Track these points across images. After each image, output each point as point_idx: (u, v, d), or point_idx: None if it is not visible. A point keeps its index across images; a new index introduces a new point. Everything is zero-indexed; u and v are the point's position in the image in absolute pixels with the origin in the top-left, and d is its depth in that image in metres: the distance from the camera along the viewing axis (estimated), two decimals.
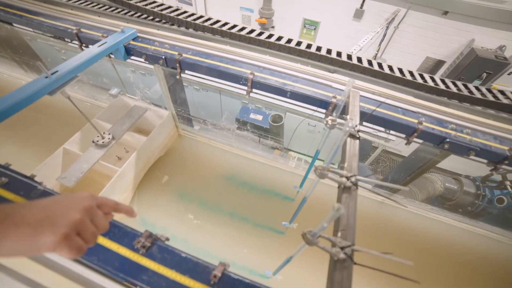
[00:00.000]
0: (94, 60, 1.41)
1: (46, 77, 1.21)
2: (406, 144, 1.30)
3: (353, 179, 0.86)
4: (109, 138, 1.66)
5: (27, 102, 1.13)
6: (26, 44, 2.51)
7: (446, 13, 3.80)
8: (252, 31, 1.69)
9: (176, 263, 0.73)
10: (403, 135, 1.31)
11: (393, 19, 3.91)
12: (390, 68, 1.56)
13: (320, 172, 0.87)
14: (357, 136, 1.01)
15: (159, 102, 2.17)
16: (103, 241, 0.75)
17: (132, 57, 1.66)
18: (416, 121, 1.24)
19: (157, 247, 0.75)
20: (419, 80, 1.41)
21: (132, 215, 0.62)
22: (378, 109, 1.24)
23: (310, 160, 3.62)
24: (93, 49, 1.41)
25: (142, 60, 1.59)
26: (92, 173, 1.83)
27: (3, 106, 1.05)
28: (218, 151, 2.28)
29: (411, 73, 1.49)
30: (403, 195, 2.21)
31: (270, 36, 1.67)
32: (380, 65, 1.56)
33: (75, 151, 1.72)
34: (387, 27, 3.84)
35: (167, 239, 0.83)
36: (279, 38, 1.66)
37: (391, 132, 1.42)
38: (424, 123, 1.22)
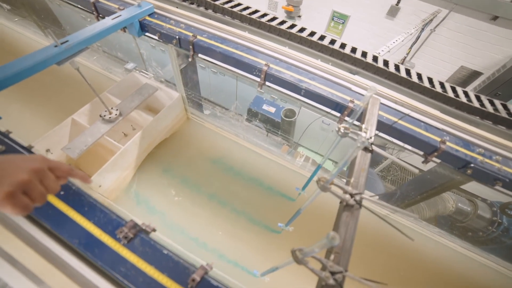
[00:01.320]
0: (107, 33, 1.37)
1: (56, 46, 1.18)
2: (423, 162, 1.19)
3: (357, 197, 0.78)
4: (116, 114, 1.64)
5: (34, 70, 1.11)
6: (48, 8, 2.50)
7: (495, 18, 3.40)
8: (274, 18, 1.58)
9: (157, 259, 0.70)
10: (422, 152, 1.20)
11: (431, 20, 3.59)
12: (419, 76, 1.41)
13: (323, 184, 0.80)
14: (370, 149, 0.92)
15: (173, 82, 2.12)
16: (87, 225, 0.73)
17: (147, 34, 1.60)
18: (439, 139, 1.12)
19: (139, 239, 0.73)
20: (450, 94, 1.27)
21: (87, 181, 0.64)
22: (396, 120, 1.13)
23: (318, 159, 3.53)
24: (107, 22, 1.37)
25: (156, 37, 1.53)
26: (97, 147, 1.85)
27: (8, 72, 1.03)
28: (224, 140, 2.23)
29: (441, 84, 1.35)
30: (410, 210, 2.09)
31: (292, 26, 1.55)
32: (408, 71, 1.42)
33: (82, 123, 1.73)
34: (423, 29, 3.53)
35: (154, 230, 0.81)
36: (302, 30, 1.54)
37: (408, 146, 1.31)
38: (448, 143, 1.10)
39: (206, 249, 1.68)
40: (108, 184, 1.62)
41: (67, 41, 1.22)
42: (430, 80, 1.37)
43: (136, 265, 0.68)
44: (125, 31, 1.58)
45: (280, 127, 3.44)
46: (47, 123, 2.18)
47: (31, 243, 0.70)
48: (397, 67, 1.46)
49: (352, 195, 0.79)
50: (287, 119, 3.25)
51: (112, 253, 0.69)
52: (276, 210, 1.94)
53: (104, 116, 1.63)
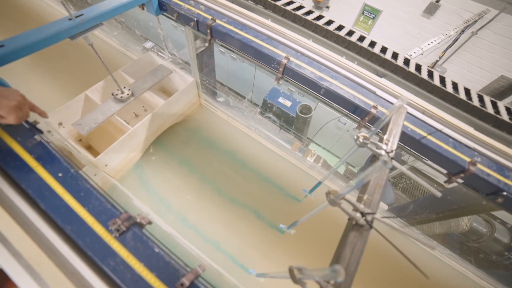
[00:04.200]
0: (123, 9, 1.31)
1: (70, 19, 1.14)
2: (445, 182, 1.09)
3: (369, 217, 0.71)
4: (128, 94, 1.62)
5: (46, 42, 1.08)
6: None
7: None
8: (300, 7, 1.46)
9: (147, 256, 0.67)
10: (445, 171, 1.09)
11: (475, 21, 3.24)
12: (454, 85, 1.27)
13: (333, 199, 0.72)
14: (390, 162, 0.83)
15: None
16: (81, 211, 0.71)
17: (165, 13, 1.53)
18: (468, 159, 1.00)
19: (132, 233, 0.70)
20: (489, 110, 1.13)
21: (44, 115, 0.91)
22: (425, 135, 1.02)
23: (329, 159, 3.41)
24: None
25: (174, 18, 1.45)
26: (107, 125, 1.85)
27: (20, 43, 1.01)
28: (234, 131, 2.18)
29: (480, 97, 1.20)
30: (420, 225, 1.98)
31: (319, 17, 1.43)
32: (442, 79, 1.28)
33: (95, 99, 1.72)
34: (463, 31, 3.21)
35: (149, 222, 0.78)
36: (329, 22, 1.41)
37: (429, 161, 1.20)
38: (479, 165, 0.99)
39: (204, 240, 1.68)
40: (114, 164, 1.62)
41: (82, 14, 1.17)
42: (467, 91, 1.23)
43: (126, 260, 0.66)
44: (143, 9, 1.52)
45: (294, 123, 3.34)
46: (63, 95, 2.21)
47: (23, 223, 0.68)
48: (430, 73, 1.32)
49: (363, 214, 0.72)
50: (302, 115, 3.14)
51: (103, 244, 0.67)
52: (280, 208, 1.89)
53: (116, 95, 1.61)
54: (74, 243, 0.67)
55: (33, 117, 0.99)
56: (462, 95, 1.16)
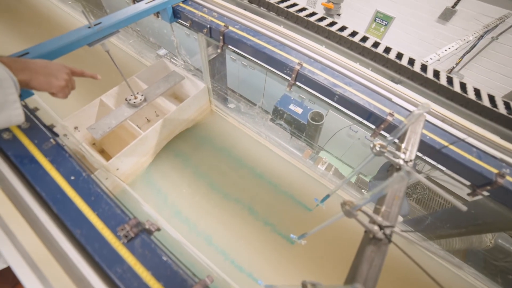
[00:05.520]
0: (139, 16, 1.35)
1: (89, 27, 1.18)
2: (469, 194, 1.02)
3: (388, 231, 0.66)
4: (140, 100, 1.64)
5: (67, 49, 1.12)
6: None
7: None
8: (312, 14, 1.45)
9: (155, 264, 0.65)
10: (468, 183, 1.02)
11: (496, 26, 3.12)
12: (477, 92, 1.21)
13: (348, 210, 0.69)
14: (413, 173, 0.79)
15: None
16: (91, 216, 0.71)
17: (179, 21, 1.57)
18: (496, 171, 0.94)
19: (140, 240, 0.68)
20: None
21: (96, 77, 1.01)
22: (446, 144, 0.97)
23: (340, 167, 3.33)
24: (140, 5, 1.34)
25: (187, 24, 1.48)
26: (120, 129, 1.89)
27: (44, 50, 1.05)
28: (245, 137, 2.17)
29: (507, 104, 1.13)
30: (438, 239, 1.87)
31: (332, 24, 1.41)
32: (463, 86, 1.22)
33: (109, 104, 1.76)
34: (482, 36, 3.10)
35: (158, 229, 0.76)
36: (342, 29, 1.40)
37: (451, 172, 1.13)
38: (508, 177, 0.92)
39: (213, 248, 1.65)
40: (125, 168, 1.64)
41: (100, 23, 1.21)
42: (491, 98, 1.16)
43: (133, 268, 0.64)
44: (158, 17, 1.56)
45: (305, 130, 3.30)
46: (79, 100, 2.28)
47: (34, 225, 0.69)
48: (449, 80, 1.26)
49: (381, 227, 0.67)
50: (313, 122, 3.10)
51: (111, 250, 0.66)
52: (290, 217, 1.84)
53: (129, 100, 1.64)
54: (83, 247, 0.66)
55: (49, 120, 1.02)
56: (486, 102, 1.10)
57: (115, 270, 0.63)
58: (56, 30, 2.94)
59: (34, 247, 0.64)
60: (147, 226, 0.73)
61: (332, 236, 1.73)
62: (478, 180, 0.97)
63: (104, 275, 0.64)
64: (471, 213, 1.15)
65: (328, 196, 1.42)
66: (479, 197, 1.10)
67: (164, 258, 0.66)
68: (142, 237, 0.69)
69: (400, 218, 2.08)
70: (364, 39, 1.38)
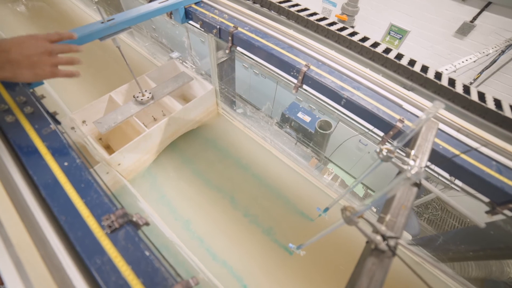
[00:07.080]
0: (152, 15, 1.37)
1: (102, 22, 1.21)
2: (487, 212, 0.93)
3: (392, 242, 0.60)
4: (148, 97, 1.66)
5: (79, 42, 1.15)
6: None
7: None
8: (323, 18, 1.43)
9: (136, 259, 0.61)
10: (487, 200, 0.94)
11: None
12: (497, 102, 1.13)
13: (349, 216, 0.63)
14: (418, 182, 0.72)
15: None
16: (78, 203, 0.68)
17: (190, 22, 1.59)
18: None
19: (124, 232, 0.65)
20: None
21: (72, 36, 0.90)
22: (461, 154, 0.89)
23: (347, 180, 3.22)
24: (153, 5, 1.37)
25: (198, 26, 1.50)
26: (126, 125, 1.90)
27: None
28: (250, 142, 2.14)
29: None
30: (451, 263, 1.72)
31: (342, 29, 1.39)
32: (482, 95, 1.15)
33: (117, 101, 1.79)
34: (503, 52, 2.99)
35: (147, 223, 0.73)
36: (353, 34, 1.37)
37: (469, 188, 1.04)
38: None
39: (207, 252, 1.59)
40: (127, 164, 1.63)
41: (113, 19, 1.24)
42: None
43: (113, 261, 0.60)
44: (171, 17, 1.59)
45: (313, 138, 3.24)
46: (88, 95, 2.34)
47: (20, 208, 0.67)
48: (466, 88, 1.19)
49: (385, 238, 0.61)
50: (321, 131, 3.03)
51: (93, 240, 0.63)
52: (290, 226, 1.77)
53: (137, 97, 1.66)
54: (65, 235, 0.64)
55: (52, 107, 1.02)
56: (507, 113, 1.02)
57: (94, 261, 0.60)
58: (69, 22, 3.05)
59: (14, 229, 0.62)
60: (134, 219, 0.69)
61: (333, 247, 1.64)
62: (498, 197, 0.88)
63: (82, 265, 0.61)
64: (490, 234, 1.05)
65: (328, 208, 1.34)
66: (500, 217, 1.00)
67: (147, 253, 0.62)
68: (126, 229, 0.65)
69: (409, 236, 1.95)
70: (375, 44, 1.34)
